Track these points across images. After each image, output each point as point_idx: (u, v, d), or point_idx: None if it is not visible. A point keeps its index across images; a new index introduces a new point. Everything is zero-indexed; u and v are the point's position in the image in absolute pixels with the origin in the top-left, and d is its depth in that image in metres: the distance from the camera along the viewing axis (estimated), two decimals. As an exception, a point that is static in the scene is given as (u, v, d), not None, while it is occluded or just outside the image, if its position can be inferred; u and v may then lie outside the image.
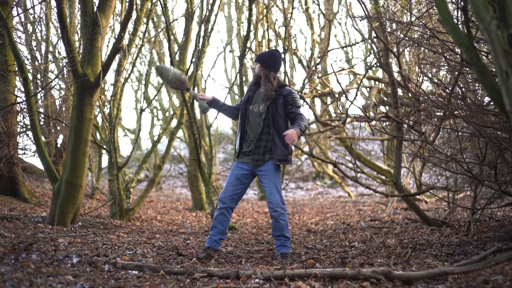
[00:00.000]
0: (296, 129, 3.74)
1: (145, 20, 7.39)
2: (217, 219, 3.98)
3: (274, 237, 3.96)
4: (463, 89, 4.79)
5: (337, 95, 7.03)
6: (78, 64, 5.31)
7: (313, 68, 8.05)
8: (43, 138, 6.79)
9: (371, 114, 6.45)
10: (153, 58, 12.90)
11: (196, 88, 6.70)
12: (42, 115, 8.09)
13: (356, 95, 5.56)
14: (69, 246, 3.95)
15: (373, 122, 6.12)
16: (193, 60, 6.76)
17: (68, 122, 6.57)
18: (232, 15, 15.89)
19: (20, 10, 7.70)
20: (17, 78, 6.77)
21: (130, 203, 7.19)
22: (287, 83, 7.98)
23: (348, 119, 6.13)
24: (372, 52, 5.56)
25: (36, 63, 7.98)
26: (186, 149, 19.31)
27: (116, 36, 6.02)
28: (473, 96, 4.87)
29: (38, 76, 7.59)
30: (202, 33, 6.55)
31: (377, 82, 8.18)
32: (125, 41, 6.87)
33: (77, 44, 7.02)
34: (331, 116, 10.84)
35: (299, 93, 7.12)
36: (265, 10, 8.32)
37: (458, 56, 4.46)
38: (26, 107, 6.42)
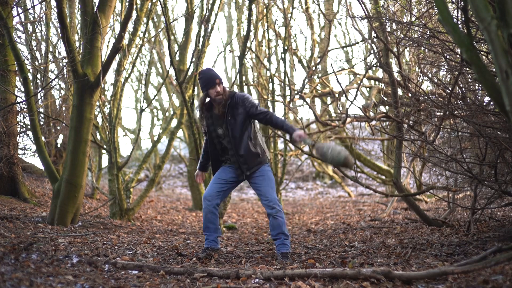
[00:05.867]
0: (295, 129, 3.74)
1: (145, 20, 7.39)
2: (207, 218, 3.94)
3: (273, 236, 3.93)
4: (463, 89, 4.79)
5: (337, 95, 7.03)
6: (78, 64, 5.31)
7: (313, 68, 8.05)
8: (43, 138, 6.79)
9: (371, 114, 6.45)
10: (153, 58, 12.92)
11: (196, 88, 6.71)
12: (42, 115, 8.09)
13: (356, 95, 5.56)
14: (69, 246, 3.95)
15: (373, 122, 6.12)
16: (193, 60, 6.75)
17: (68, 122, 6.57)
18: (232, 15, 15.90)
19: (20, 10, 7.70)
20: (17, 78, 6.77)
21: (130, 203, 7.19)
22: (287, 83, 7.99)
23: (348, 119, 6.13)
24: (372, 52, 5.56)
25: (36, 63, 7.97)
26: (186, 149, 19.31)
27: (116, 36, 6.02)
28: (473, 96, 4.87)
29: (38, 76, 7.59)
30: (202, 33, 6.55)
31: (377, 82, 8.18)
32: (125, 41, 6.87)
33: (77, 44, 7.02)
34: (331, 116, 10.85)
35: (299, 93, 7.12)
36: (265, 10, 8.33)
37: (458, 56, 4.46)
38: (26, 107, 6.42)
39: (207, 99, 3.97)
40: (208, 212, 3.93)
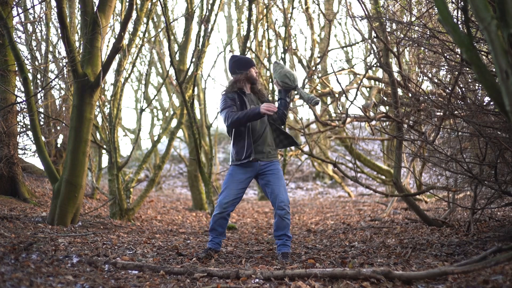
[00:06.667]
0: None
1: (145, 20, 7.39)
2: (217, 222, 3.96)
3: (276, 236, 3.94)
4: (463, 89, 4.79)
5: (337, 95, 7.03)
6: (78, 64, 5.31)
7: (313, 68, 8.05)
8: (43, 138, 6.79)
9: (371, 114, 6.45)
10: (153, 58, 12.92)
11: (196, 88, 6.72)
12: (42, 115, 8.09)
13: (356, 95, 5.56)
14: (69, 246, 3.95)
15: (373, 122, 6.12)
16: (193, 60, 6.76)
17: (68, 122, 6.57)
18: (232, 15, 15.91)
19: (20, 10, 7.70)
20: (17, 78, 6.77)
21: (130, 203, 7.19)
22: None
23: (348, 119, 6.13)
24: (372, 52, 5.56)
25: (36, 63, 7.98)
26: (186, 149, 19.31)
27: (116, 36, 6.02)
28: (473, 96, 4.87)
29: (38, 76, 7.59)
30: (202, 33, 6.55)
31: (377, 82, 8.18)
32: (125, 41, 6.87)
33: (77, 44, 7.02)
34: (331, 116, 10.85)
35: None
36: (265, 10, 8.32)
37: (458, 56, 4.46)
38: (26, 107, 6.42)
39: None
40: (221, 217, 3.95)
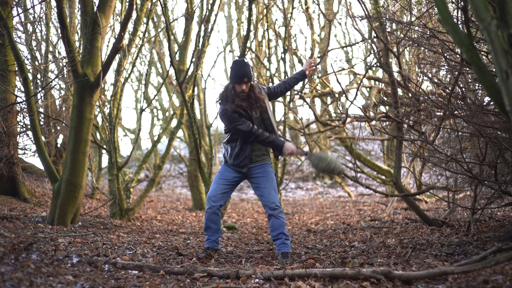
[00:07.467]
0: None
1: (145, 20, 7.39)
2: (210, 219, 3.96)
3: (274, 237, 3.93)
4: (463, 89, 4.79)
5: (337, 95, 7.03)
6: (78, 64, 5.31)
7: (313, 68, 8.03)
8: (43, 138, 6.79)
9: (371, 114, 6.45)
10: (153, 58, 12.92)
11: (196, 88, 6.73)
12: (42, 115, 8.09)
13: (356, 95, 5.56)
14: (69, 246, 3.95)
15: (373, 122, 6.12)
16: (193, 60, 6.75)
17: (68, 122, 6.57)
18: (232, 15, 15.90)
19: (20, 10, 7.70)
20: (17, 78, 6.77)
21: (130, 203, 7.19)
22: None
23: (348, 119, 6.13)
24: (372, 52, 5.56)
25: (36, 63, 7.98)
26: (186, 149, 19.30)
27: (116, 36, 6.02)
28: (473, 96, 4.87)
29: (38, 76, 7.59)
30: (202, 33, 6.55)
31: (377, 82, 8.18)
32: (125, 41, 6.87)
33: (77, 44, 7.02)
34: (331, 116, 10.85)
35: (299, 93, 7.12)
36: (265, 10, 8.32)
37: (458, 56, 4.46)
38: (26, 107, 6.42)
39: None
40: (212, 213, 3.94)
